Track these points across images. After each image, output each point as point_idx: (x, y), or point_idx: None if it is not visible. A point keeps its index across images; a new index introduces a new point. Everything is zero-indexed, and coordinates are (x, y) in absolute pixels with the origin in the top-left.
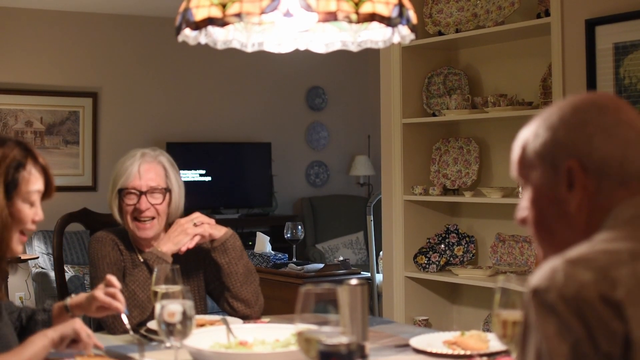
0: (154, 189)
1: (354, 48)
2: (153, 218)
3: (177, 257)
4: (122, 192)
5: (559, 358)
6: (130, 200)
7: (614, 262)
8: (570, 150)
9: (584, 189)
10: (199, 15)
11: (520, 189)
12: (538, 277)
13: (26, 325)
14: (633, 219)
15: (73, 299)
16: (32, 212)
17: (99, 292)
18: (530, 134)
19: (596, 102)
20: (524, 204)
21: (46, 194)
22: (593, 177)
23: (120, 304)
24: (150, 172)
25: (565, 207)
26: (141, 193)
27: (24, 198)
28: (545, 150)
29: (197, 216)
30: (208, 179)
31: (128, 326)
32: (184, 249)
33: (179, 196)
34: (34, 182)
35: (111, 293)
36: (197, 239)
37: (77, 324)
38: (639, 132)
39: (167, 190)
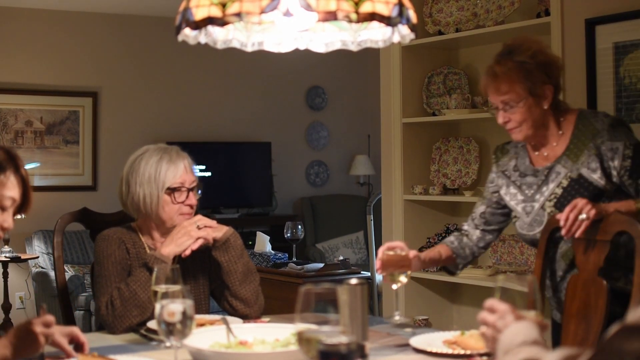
0: (195, 183)
1: (353, 48)
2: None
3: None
4: (174, 190)
5: None
6: (181, 197)
7: None
8: None
9: None
10: (198, 14)
11: None
12: None
13: None
14: None
15: None
16: (1, 218)
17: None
18: None
19: None
20: None
21: (22, 207)
22: None
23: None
24: (189, 167)
25: None
26: (189, 189)
27: None
28: None
29: (200, 218)
30: (208, 175)
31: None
32: (187, 252)
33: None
34: (10, 187)
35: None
36: (200, 241)
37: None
38: None
39: (199, 183)
